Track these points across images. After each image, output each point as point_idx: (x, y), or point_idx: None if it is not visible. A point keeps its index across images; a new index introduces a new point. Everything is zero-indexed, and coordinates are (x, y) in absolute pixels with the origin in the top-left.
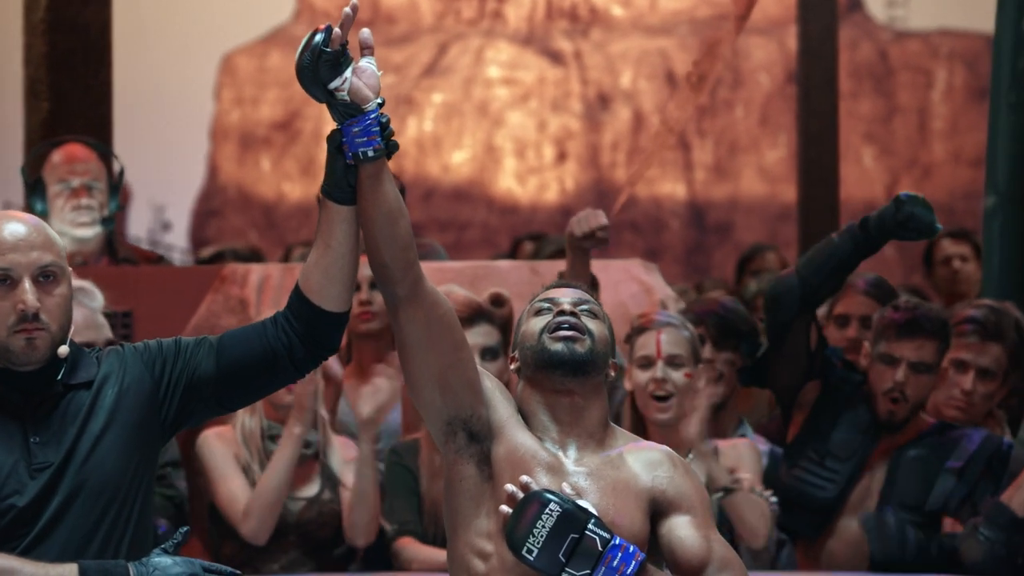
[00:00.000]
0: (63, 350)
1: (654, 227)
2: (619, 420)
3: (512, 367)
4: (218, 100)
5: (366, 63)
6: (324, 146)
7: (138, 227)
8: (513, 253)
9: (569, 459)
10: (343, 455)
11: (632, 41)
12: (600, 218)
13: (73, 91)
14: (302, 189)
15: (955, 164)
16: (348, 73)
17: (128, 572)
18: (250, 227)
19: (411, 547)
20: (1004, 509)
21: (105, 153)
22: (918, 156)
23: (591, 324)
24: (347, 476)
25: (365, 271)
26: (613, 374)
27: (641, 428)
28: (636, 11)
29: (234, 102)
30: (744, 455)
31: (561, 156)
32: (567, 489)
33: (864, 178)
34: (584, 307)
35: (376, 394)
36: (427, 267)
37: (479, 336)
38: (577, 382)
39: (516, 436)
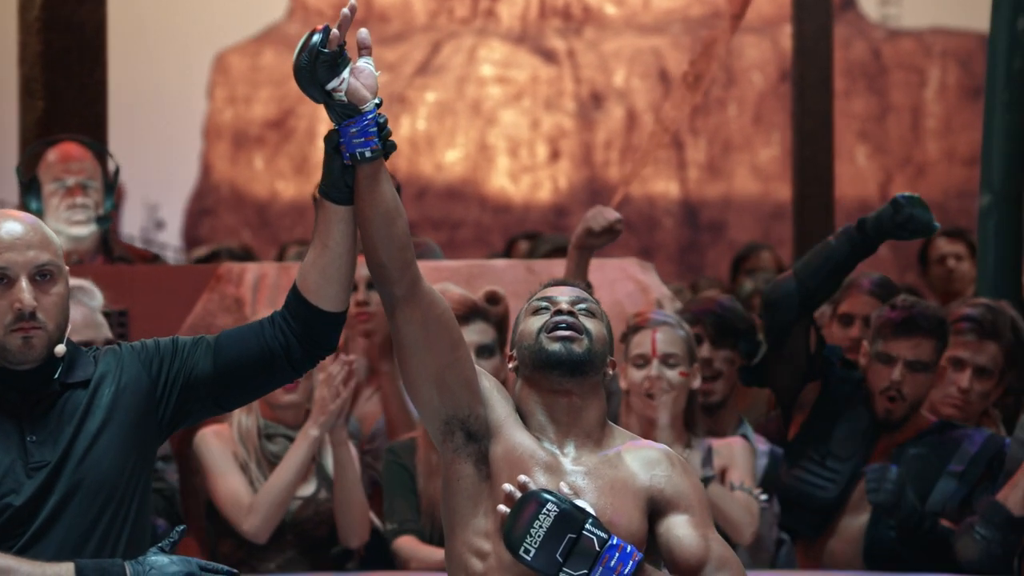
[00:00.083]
0: (60, 349)
1: (647, 226)
2: (615, 418)
3: (510, 366)
4: (211, 99)
5: (364, 63)
6: (318, 144)
7: (131, 226)
8: (508, 252)
9: (567, 458)
10: None
11: (625, 40)
12: (613, 213)
13: (68, 90)
14: (295, 188)
15: (948, 163)
16: (346, 74)
17: (124, 571)
18: (243, 226)
19: (410, 546)
20: (1000, 508)
21: (100, 152)
22: (911, 154)
23: (589, 323)
24: None
25: (362, 271)
26: (611, 372)
27: (636, 426)
28: (629, 10)
29: (227, 101)
30: (737, 453)
31: (554, 155)
32: (565, 489)
33: (858, 177)
34: (582, 306)
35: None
36: (423, 266)
37: (474, 334)
38: (575, 382)
39: (514, 435)
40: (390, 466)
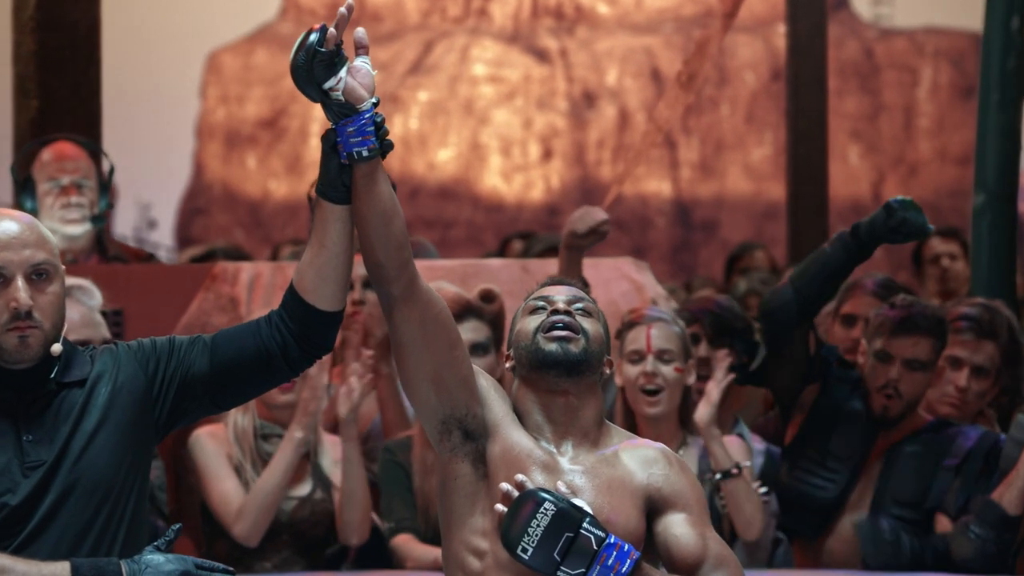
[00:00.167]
0: (56, 348)
1: (640, 225)
2: (611, 416)
3: (507, 365)
4: (204, 98)
5: (361, 63)
6: (310, 144)
7: (124, 225)
8: (502, 251)
9: (564, 458)
10: (334, 455)
11: (618, 39)
12: (599, 213)
13: (62, 89)
14: (288, 187)
15: (941, 162)
16: (343, 73)
17: (120, 569)
18: (236, 225)
19: (406, 544)
20: (994, 507)
21: (95, 151)
22: (904, 154)
23: (585, 323)
24: (338, 476)
25: (358, 270)
26: (608, 371)
27: (631, 423)
28: (622, 9)
29: (220, 100)
30: (733, 451)
31: (547, 154)
32: (562, 487)
33: (850, 176)
34: (579, 305)
35: (351, 394)
36: (418, 265)
37: (468, 332)
38: (572, 382)
39: (511, 435)
40: (386, 464)
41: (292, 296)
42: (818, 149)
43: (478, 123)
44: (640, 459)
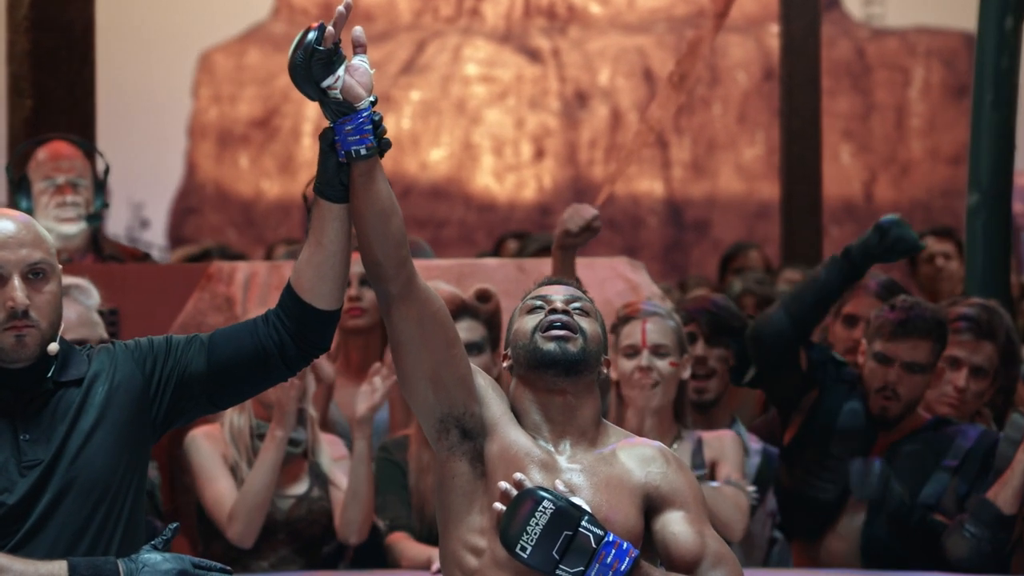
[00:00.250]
0: (53, 347)
1: (632, 224)
2: (606, 412)
3: (504, 365)
4: (196, 98)
5: (359, 61)
6: (303, 144)
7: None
8: (497, 251)
9: (562, 456)
10: (331, 454)
11: (610, 39)
12: (589, 210)
13: (57, 89)
14: (280, 187)
15: (933, 161)
16: (341, 71)
17: (118, 568)
18: (228, 225)
19: (402, 543)
20: (989, 506)
21: (90, 151)
22: (896, 153)
23: (583, 322)
24: (336, 475)
25: (355, 268)
26: (606, 371)
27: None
28: (614, 9)
29: (212, 100)
30: (728, 446)
31: (539, 154)
32: (560, 486)
33: (842, 175)
34: (576, 305)
35: (373, 394)
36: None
37: (463, 332)
38: (570, 381)
39: (509, 433)
40: (382, 463)
41: (289, 295)
42: (812, 149)
43: (470, 123)
44: (638, 457)
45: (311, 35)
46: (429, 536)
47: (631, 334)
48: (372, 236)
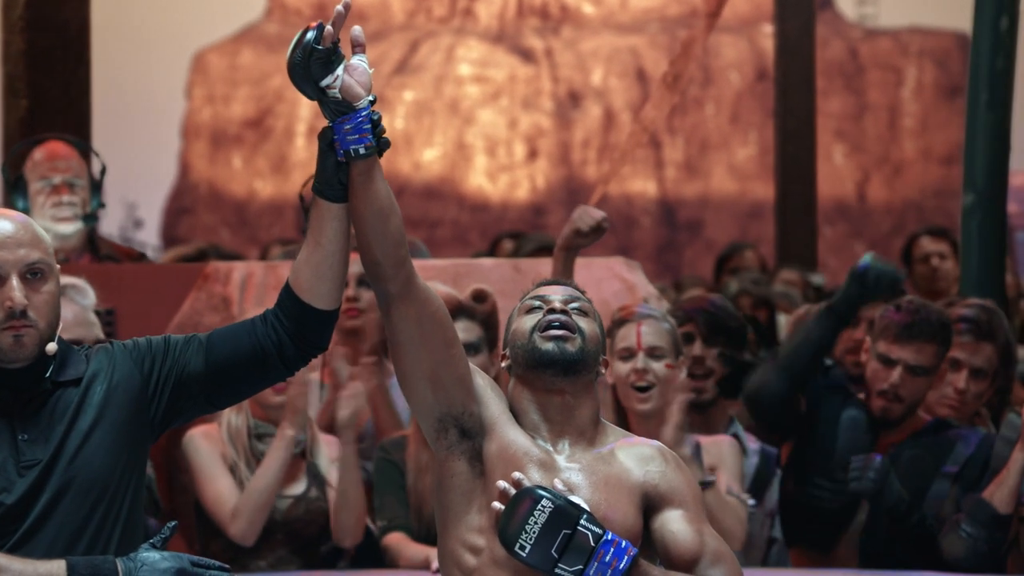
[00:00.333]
0: (51, 347)
1: (625, 224)
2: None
3: (502, 365)
4: (189, 98)
5: (357, 60)
6: (296, 144)
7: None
8: (492, 251)
9: (561, 456)
10: (330, 454)
11: (603, 39)
12: (597, 211)
13: (52, 89)
14: (273, 187)
15: (925, 162)
16: (340, 71)
17: (116, 567)
18: (222, 225)
19: (399, 543)
20: (986, 505)
21: (86, 151)
22: (888, 153)
23: (582, 322)
24: (334, 475)
25: (352, 268)
26: (604, 371)
27: (623, 420)
28: (607, 9)
29: (205, 100)
30: (725, 452)
31: (532, 154)
32: (559, 485)
33: (835, 175)
34: (575, 305)
35: (354, 397)
36: None
37: (459, 332)
38: (568, 381)
39: (508, 433)
40: (380, 463)
41: (288, 294)
42: (806, 149)
43: (463, 123)
44: (637, 456)
45: (310, 34)
46: (428, 536)
47: (626, 337)
48: (371, 235)
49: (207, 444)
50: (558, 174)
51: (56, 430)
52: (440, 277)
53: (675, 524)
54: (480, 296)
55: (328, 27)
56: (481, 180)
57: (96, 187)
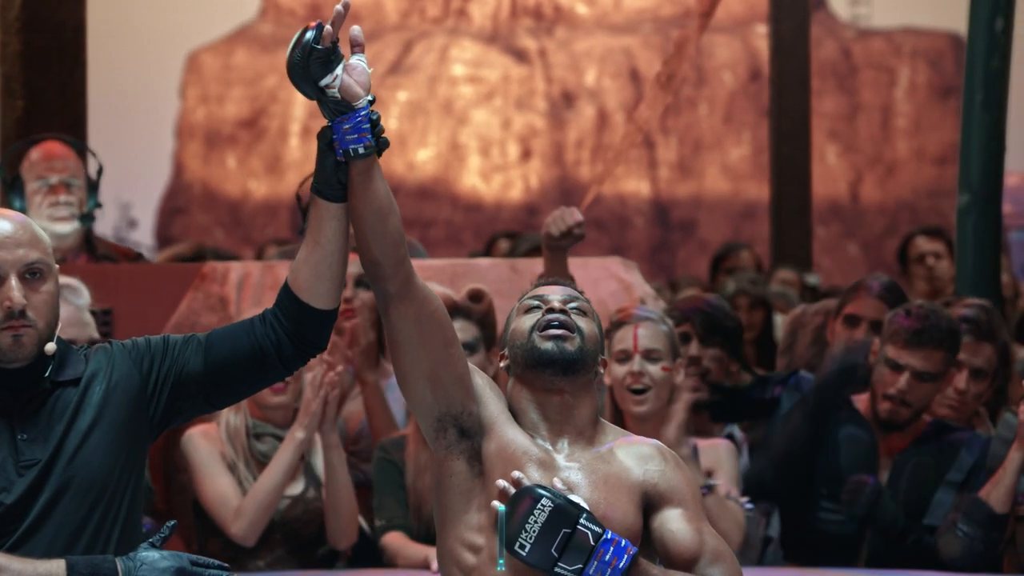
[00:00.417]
0: (50, 347)
1: (619, 224)
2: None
3: (501, 364)
4: (183, 98)
5: (356, 60)
6: (290, 144)
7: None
8: (488, 251)
9: (560, 455)
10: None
11: (596, 39)
12: (575, 215)
13: (48, 90)
14: (268, 187)
15: (919, 162)
16: (339, 70)
17: (115, 567)
18: (216, 225)
19: (397, 542)
20: (982, 505)
21: (83, 151)
22: (882, 153)
23: (581, 322)
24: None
25: (350, 268)
26: (603, 371)
27: (620, 422)
28: (600, 9)
29: (199, 100)
30: (723, 456)
31: (526, 154)
32: (558, 484)
33: (828, 175)
34: (574, 305)
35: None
36: None
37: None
38: (567, 380)
39: (507, 432)
40: (380, 463)
41: (287, 294)
42: (801, 149)
43: (457, 123)
44: (636, 455)
45: (309, 34)
46: (427, 535)
47: (623, 339)
48: (370, 235)
49: (206, 443)
50: (552, 174)
51: (55, 430)
52: (437, 277)
53: (674, 523)
54: (476, 296)
55: (327, 27)
56: (475, 180)
57: (93, 187)
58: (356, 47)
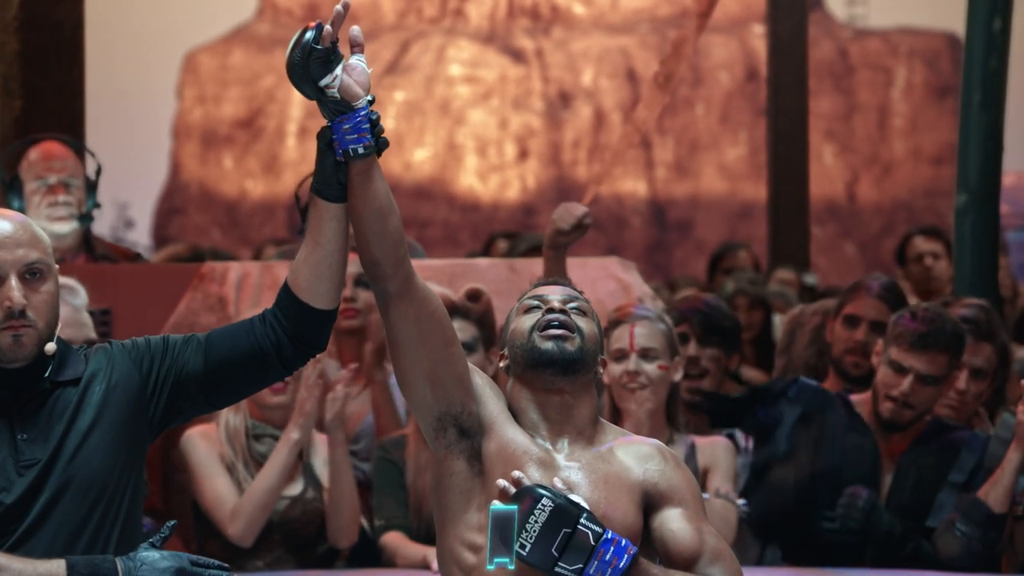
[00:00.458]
0: (50, 347)
1: (615, 225)
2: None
3: (500, 364)
4: (180, 98)
5: (356, 60)
6: (287, 144)
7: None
8: (487, 251)
9: (560, 454)
10: (326, 455)
11: (593, 39)
12: (579, 208)
13: (46, 89)
14: (264, 187)
15: (915, 161)
16: (338, 70)
17: (115, 566)
18: (213, 225)
19: (397, 542)
20: (980, 505)
21: (81, 151)
22: (878, 153)
23: (580, 322)
24: (327, 476)
25: (350, 268)
26: (602, 370)
27: (617, 421)
28: (597, 9)
29: (196, 100)
30: (720, 455)
31: (522, 154)
32: (559, 484)
33: (824, 175)
34: (573, 304)
35: (334, 401)
36: None
37: None
38: (567, 380)
39: (507, 432)
40: (380, 462)
41: (286, 294)
42: (798, 149)
43: (454, 123)
44: (636, 455)
45: (309, 34)
46: (426, 536)
47: (620, 338)
48: (370, 235)
49: (205, 444)
50: (548, 174)
51: (55, 429)
52: (436, 277)
53: (674, 522)
54: (474, 296)
55: (327, 27)
56: (472, 180)
57: (91, 187)
58: (355, 47)
